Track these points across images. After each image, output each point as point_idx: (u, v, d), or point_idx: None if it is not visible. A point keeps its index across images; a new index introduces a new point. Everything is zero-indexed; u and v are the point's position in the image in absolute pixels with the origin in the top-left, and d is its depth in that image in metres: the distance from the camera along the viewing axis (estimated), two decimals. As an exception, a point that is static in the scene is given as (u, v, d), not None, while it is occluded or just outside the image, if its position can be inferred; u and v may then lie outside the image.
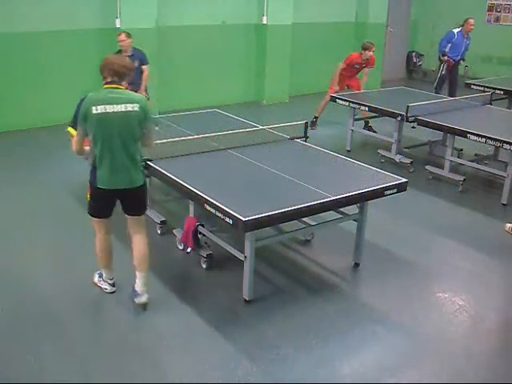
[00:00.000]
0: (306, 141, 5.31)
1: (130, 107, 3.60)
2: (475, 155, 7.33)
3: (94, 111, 3.55)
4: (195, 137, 5.05)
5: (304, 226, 4.62)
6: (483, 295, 4.40)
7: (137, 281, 3.91)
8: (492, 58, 12.45)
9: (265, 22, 10.10)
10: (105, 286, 4.14)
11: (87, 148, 3.75)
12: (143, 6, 8.59)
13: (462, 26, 9.04)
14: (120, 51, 6.84)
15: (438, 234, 5.33)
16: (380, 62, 11.03)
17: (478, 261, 4.89)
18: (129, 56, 6.33)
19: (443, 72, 9.18)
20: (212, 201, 3.79)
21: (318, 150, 5.08)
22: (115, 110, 3.57)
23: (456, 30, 9.05)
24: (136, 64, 6.50)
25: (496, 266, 4.84)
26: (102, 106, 3.56)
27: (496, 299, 4.38)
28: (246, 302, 4.06)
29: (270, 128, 5.39)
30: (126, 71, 3.69)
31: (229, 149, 4.96)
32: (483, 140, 5.90)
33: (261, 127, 5.50)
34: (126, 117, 3.61)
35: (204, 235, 4.54)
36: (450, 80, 9.31)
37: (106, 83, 3.68)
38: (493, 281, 4.61)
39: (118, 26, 8.48)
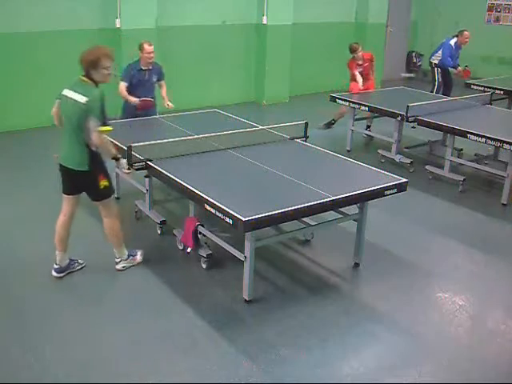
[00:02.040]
0: (305, 141, 5.31)
1: (79, 98, 3.92)
2: (475, 155, 7.33)
3: (63, 92, 4.06)
4: (195, 137, 5.05)
5: (304, 226, 4.62)
6: (483, 295, 4.40)
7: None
8: (492, 58, 12.43)
9: (265, 22, 10.10)
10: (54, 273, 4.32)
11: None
12: (143, 6, 8.60)
13: (457, 36, 9.02)
14: (138, 61, 6.10)
15: (438, 234, 5.33)
16: (380, 62, 11.01)
17: (477, 261, 4.90)
18: (149, 70, 6.12)
19: (440, 80, 9.24)
20: (212, 201, 3.79)
21: (317, 150, 5.09)
22: (70, 97, 3.99)
23: (452, 42, 9.00)
24: (154, 79, 6.20)
25: (496, 265, 4.84)
26: (67, 90, 4.03)
27: (496, 299, 4.38)
28: (246, 301, 4.06)
29: (270, 128, 5.40)
30: (83, 65, 4.04)
31: (229, 149, 4.96)
32: (483, 140, 5.91)
33: (261, 127, 5.50)
34: (74, 105, 3.96)
35: (204, 235, 4.55)
36: (446, 82, 9.34)
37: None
38: (493, 281, 4.61)
39: (117, 26, 8.49)
